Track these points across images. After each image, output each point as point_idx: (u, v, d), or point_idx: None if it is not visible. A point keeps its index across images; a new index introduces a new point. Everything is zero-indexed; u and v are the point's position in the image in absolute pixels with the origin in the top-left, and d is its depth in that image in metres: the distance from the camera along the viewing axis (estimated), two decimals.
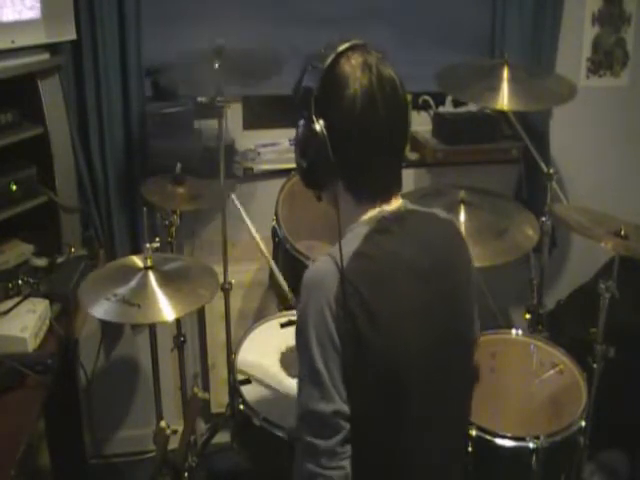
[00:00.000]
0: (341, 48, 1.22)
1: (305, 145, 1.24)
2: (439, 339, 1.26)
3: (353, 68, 1.21)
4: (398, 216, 1.27)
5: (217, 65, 2.22)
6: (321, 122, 1.20)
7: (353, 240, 1.22)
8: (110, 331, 2.65)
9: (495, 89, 2.17)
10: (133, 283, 1.80)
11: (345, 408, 1.18)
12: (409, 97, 1.29)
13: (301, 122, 1.24)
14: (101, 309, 1.72)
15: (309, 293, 1.21)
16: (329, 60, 1.21)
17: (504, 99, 2.15)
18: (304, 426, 1.22)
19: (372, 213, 1.27)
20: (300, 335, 1.21)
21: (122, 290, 1.77)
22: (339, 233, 1.21)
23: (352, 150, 1.22)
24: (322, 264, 1.22)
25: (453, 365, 1.31)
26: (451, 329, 1.29)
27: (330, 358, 1.17)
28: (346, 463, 1.20)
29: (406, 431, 1.24)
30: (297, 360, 1.23)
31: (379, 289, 1.19)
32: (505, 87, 2.17)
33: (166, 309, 1.75)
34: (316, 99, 1.21)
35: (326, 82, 1.21)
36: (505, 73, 2.20)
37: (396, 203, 1.29)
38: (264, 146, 2.67)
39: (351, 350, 1.17)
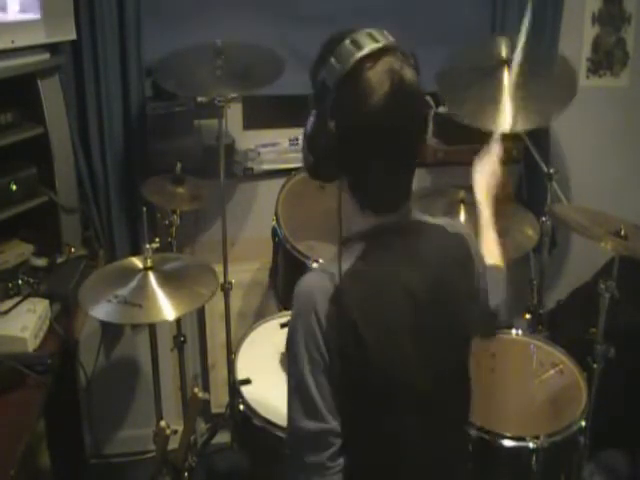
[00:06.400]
0: (367, 51, 1.13)
1: (314, 140, 1.19)
2: (432, 356, 1.23)
3: (377, 75, 1.13)
4: (402, 229, 1.23)
5: (217, 65, 2.23)
6: (334, 122, 1.14)
7: (350, 256, 1.18)
8: (110, 331, 2.65)
9: (495, 108, 2.15)
10: (133, 283, 1.80)
11: (335, 424, 1.17)
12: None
13: (313, 113, 1.18)
14: (103, 311, 1.73)
15: (300, 307, 1.18)
16: (353, 61, 1.12)
17: (506, 119, 2.13)
18: (294, 441, 1.21)
19: (375, 223, 1.22)
20: (290, 348, 1.19)
21: (123, 291, 1.77)
22: (339, 240, 1.18)
23: (362, 155, 1.17)
24: (315, 279, 1.19)
25: (448, 380, 1.28)
26: (446, 345, 1.26)
27: (320, 373, 1.15)
28: (338, 477, 1.19)
29: (401, 442, 1.23)
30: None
31: (370, 311, 1.15)
32: (506, 102, 2.14)
33: (167, 309, 1.76)
34: (334, 98, 1.14)
35: (347, 84, 1.13)
36: (505, 76, 2.18)
37: (403, 213, 1.24)
38: (264, 146, 2.67)
39: (339, 366, 1.15)
